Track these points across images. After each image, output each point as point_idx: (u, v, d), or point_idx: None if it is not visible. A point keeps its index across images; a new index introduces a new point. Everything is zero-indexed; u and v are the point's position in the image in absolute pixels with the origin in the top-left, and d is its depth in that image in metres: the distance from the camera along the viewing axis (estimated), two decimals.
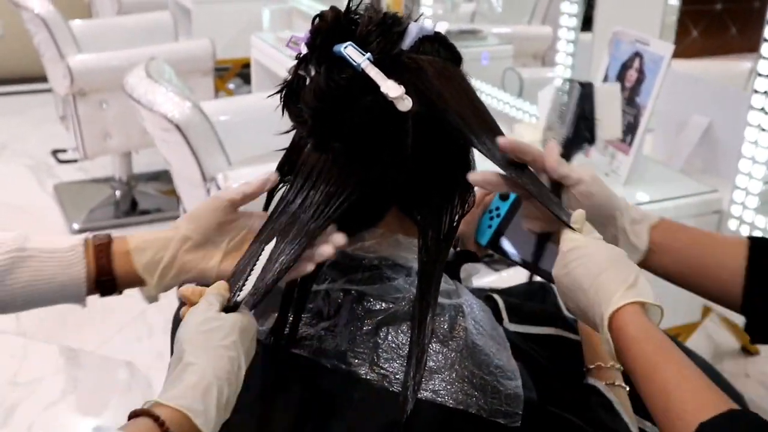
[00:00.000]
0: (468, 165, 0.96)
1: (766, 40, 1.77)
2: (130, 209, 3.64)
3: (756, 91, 1.81)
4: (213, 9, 4.14)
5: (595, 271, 0.87)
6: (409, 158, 0.89)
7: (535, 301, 1.32)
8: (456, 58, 0.95)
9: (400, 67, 0.88)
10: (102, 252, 0.90)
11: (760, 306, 0.96)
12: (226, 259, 0.93)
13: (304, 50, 0.91)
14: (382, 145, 0.88)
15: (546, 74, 2.70)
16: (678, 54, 1.93)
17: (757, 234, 1.88)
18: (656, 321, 0.84)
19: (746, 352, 2.72)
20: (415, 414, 0.85)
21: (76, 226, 3.45)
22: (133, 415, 0.73)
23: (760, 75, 1.80)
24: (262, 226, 0.93)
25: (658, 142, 2.33)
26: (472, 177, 0.93)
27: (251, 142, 2.55)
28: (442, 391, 0.88)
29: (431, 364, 0.89)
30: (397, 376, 0.89)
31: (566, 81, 0.97)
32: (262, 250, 0.87)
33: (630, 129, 2.00)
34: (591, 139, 0.97)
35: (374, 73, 0.85)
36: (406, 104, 0.85)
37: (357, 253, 0.95)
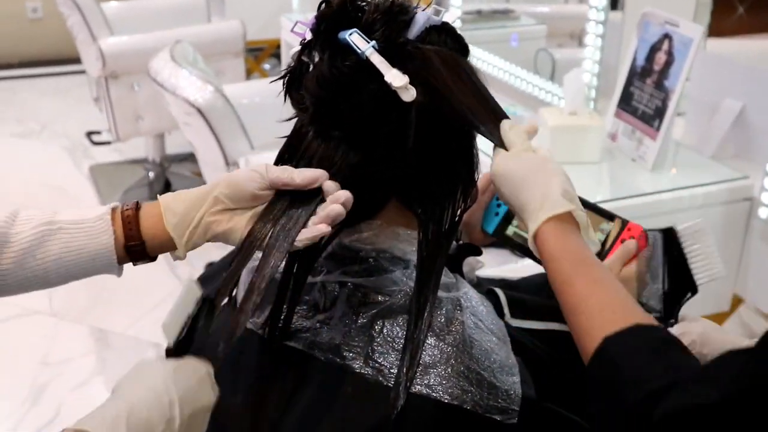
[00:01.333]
0: (472, 158, 0.94)
1: None
2: (164, 190, 3.63)
3: None
4: None
5: (516, 192, 0.86)
6: (411, 149, 0.87)
7: (543, 294, 1.29)
8: (463, 49, 0.93)
9: (405, 56, 0.86)
10: (130, 217, 0.88)
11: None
12: (251, 222, 0.89)
13: (309, 36, 0.89)
14: (384, 135, 0.87)
15: (579, 55, 2.65)
16: (722, 32, 1.87)
17: None
18: (584, 224, 0.83)
19: None
20: (408, 409, 0.84)
21: None
22: None
23: None
24: (261, 213, 0.91)
25: (689, 127, 2.26)
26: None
27: (274, 125, 2.55)
28: (437, 386, 0.86)
29: (426, 358, 0.87)
30: (392, 371, 0.87)
31: (648, 232, 0.92)
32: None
33: (658, 113, 1.95)
34: (693, 288, 0.92)
35: (378, 62, 0.84)
36: (410, 94, 0.83)
37: (354, 245, 0.93)
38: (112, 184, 3.68)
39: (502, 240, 1.09)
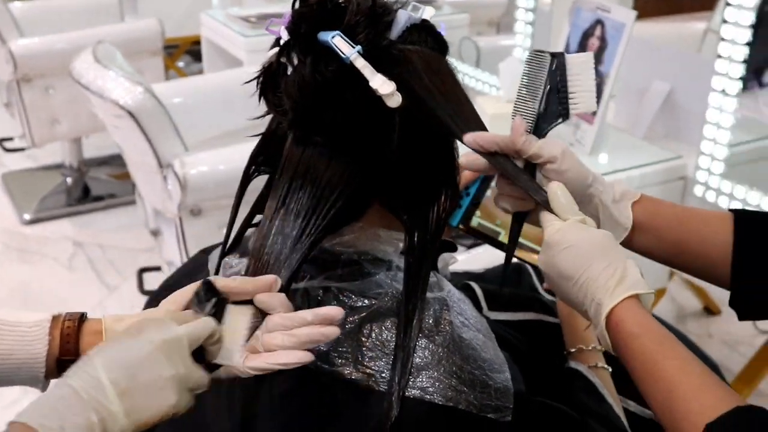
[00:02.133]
0: (453, 160, 0.93)
1: (729, 4, 1.74)
2: (83, 196, 3.53)
3: (720, 56, 1.80)
4: None
5: (583, 264, 0.84)
6: (394, 153, 0.86)
7: (510, 284, 1.29)
8: (442, 47, 0.92)
9: (390, 60, 0.84)
10: (70, 330, 0.81)
11: (749, 282, 0.93)
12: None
13: (284, 35, 0.86)
14: (367, 141, 0.85)
15: (504, 42, 2.67)
16: (643, 15, 1.91)
17: (723, 199, 1.88)
18: (649, 305, 0.82)
19: (708, 312, 2.75)
20: (403, 414, 0.82)
21: (27, 217, 3.35)
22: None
23: (723, 40, 1.78)
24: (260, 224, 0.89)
25: (619, 110, 2.31)
26: (467, 138, 0.89)
27: (205, 124, 2.49)
28: (429, 388, 0.84)
29: (417, 360, 0.85)
30: (383, 375, 0.85)
31: (535, 52, 0.93)
32: None
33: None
34: (565, 114, 0.92)
35: (363, 67, 0.82)
36: (395, 100, 0.82)
37: (335, 248, 0.91)
38: (27, 192, 3.53)
39: (467, 231, 1.08)
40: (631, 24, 1.89)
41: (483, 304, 1.17)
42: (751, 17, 1.73)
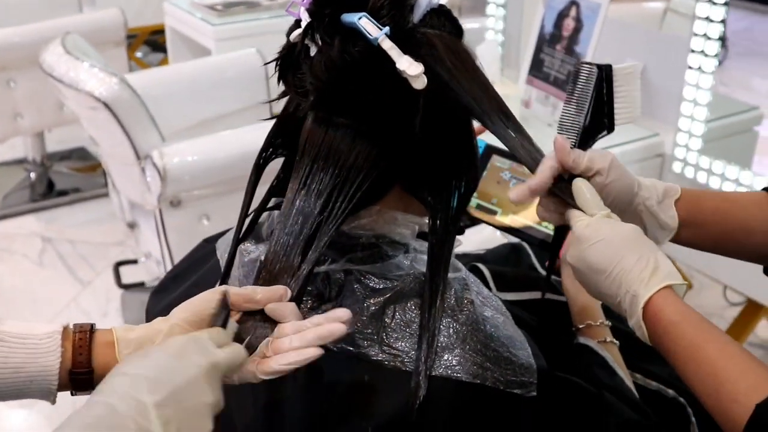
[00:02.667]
0: (472, 143, 0.94)
1: None
2: (47, 191, 3.47)
3: (695, 34, 1.83)
4: None
5: (615, 257, 0.86)
6: (417, 136, 0.86)
7: (510, 264, 1.31)
8: (459, 32, 0.92)
9: (414, 42, 0.84)
10: (82, 342, 0.80)
11: None
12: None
13: (305, 16, 0.86)
14: (392, 123, 0.85)
15: (469, 26, 2.68)
16: None
17: (702, 174, 1.92)
18: (682, 295, 0.84)
19: None
20: (430, 392, 0.83)
21: None
22: None
23: (698, 18, 1.81)
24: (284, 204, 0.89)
25: None
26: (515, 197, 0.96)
27: (178, 114, 2.46)
28: (456, 366, 0.86)
29: (442, 339, 0.86)
30: (410, 355, 0.86)
31: (582, 63, 0.93)
32: None
33: (571, 77, 2.00)
34: (610, 126, 0.94)
35: (390, 48, 0.82)
36: (421, 81, 0.82)
37: (354, 231, 0.92)
38: None
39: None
40: (607, 4, 1.92)
41: (491, 284, 1.18)
42: None
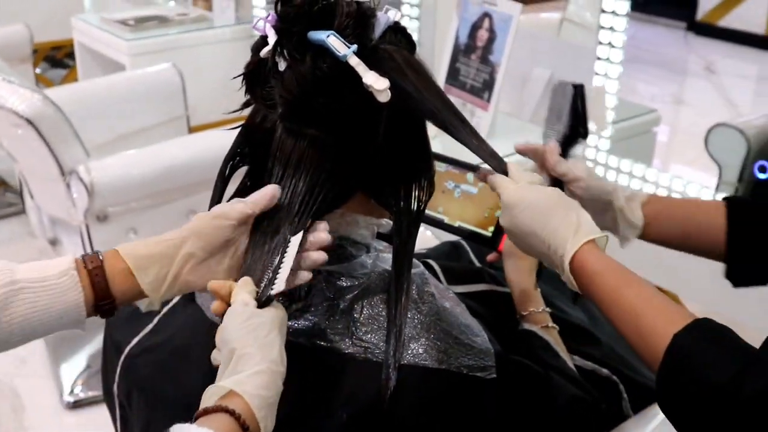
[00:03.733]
0: (428, 148, 1.00)
1: None
2: None
3: (601, 43, 1.96)
4: None
5: (543, 219, 0.95)
6: (380, 146, 0.92)
7: (452, 260, 1.39)
8: (413, 47, 0.98)
9: (377, 58, 0.90)
10: (98, 275, 0.85)
11: (740, 256, 1.12)
12: (228, 274, 0.91)
13: (271, 34, 0.91)
14: (357, 133, 0.91)
15: None
16: None
17: (611, 173, 2.05)
18: (603, 247, 0.94)
19: None
20: (400, 379, 0.90)
21: None
22: (207, 411, 0.76)
23: (602, 28, 1.95)
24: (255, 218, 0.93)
25: (504, 96, 2.45)
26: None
27: (97, 130, 2.46)
28: (423, 354, 0.93)
29: (409, 331, 0.93)
30: (379, 347, 0.92)
31: (561, 82, 1.04)
32: (289, 242, 0.88)
33: (487, 86, 2.11)
34: (585, 135, 1.06)
35: (357, 64, 0.87)
36: (386, 95, 0.88)
37: None
38: None
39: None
40: (518, 16, 2.03)
41: (442, 278, 1.25)
42: (626, 7, 1.91)
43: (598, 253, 0.92)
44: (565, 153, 1.08)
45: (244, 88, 0.96)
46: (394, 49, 0.92)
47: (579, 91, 1.02)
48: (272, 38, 0.91)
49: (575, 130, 1.05)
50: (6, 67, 2.27)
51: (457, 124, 0.96)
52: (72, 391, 2.34)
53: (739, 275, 1.14)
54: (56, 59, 4.58)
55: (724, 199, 1.16)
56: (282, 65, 0.90)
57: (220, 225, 0.89)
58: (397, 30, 0.95)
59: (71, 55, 3.54)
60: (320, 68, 0.88)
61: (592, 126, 1.06)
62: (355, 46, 0.87)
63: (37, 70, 4.49)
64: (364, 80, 0.87)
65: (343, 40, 0.87)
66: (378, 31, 0.92)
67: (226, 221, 0.89)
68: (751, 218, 1.12)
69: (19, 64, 3.12)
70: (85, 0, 3.38)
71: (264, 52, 0.91)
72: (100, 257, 0.86)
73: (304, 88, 0.88)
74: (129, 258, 0.86)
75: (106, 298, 0.85)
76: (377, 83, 0.87)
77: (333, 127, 0.90)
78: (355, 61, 0.87)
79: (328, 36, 0.87)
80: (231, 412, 0.74)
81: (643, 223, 1.15)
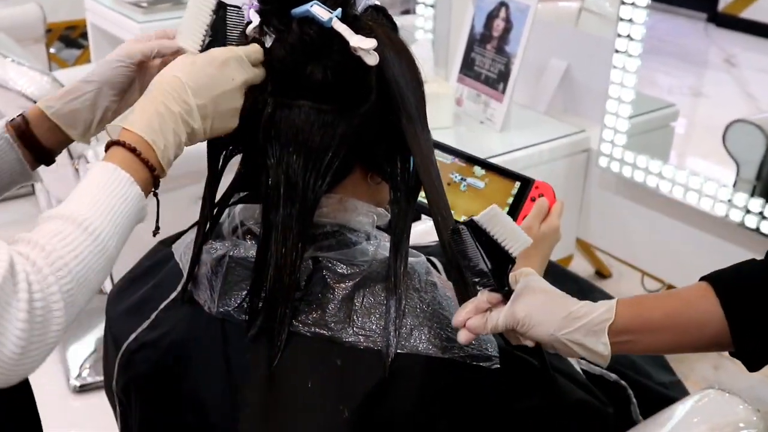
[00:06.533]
0: (423, 114, 0.96)
1: None
2: None
3: (619, 35, 1.92)
4: None
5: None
6: (373, 114, 0.91)
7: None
8: (394, 28, 0.97)
9: (360, 27, 0.89)
10: (30, 136, 0.98)
11: (751, 344, 0.95)
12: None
13: (254, 17, 0.91)
14: (349, 100, 0.90)
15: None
16: None
17: (627, 169, 2.01)
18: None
19: (600, 275, 2.93)
20: (403, 368, 0.88)
21: None
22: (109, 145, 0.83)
23: (622, 19, 1.90)
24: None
25: (520, 87, 2.42)
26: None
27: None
28: (425, 343, 0.91)
29: (411, 319, 0.91)
30: (379, 334, 0.90)
31: (451, 232, 0.93)
32: None
33: (502, 77, 2.08)
34: (511, 259, 0.95)
35: (343, 29, 0.87)
36: (374, 57, 0.87)
37: (318, 220, 0.95)
38: None
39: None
40: (536, 5, 1.99)
41: (443, 275, 1.23)
42: None
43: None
44: (502, 286, 0.98)
45: None
46: (377, 24, 0.93)
47: (473, 227, 0.93)
48: (257, 20, 0.91)
49: (498, 261, 0.97)
50: (17, 48, 2.25)
51: (420, 128, 0.94)
52: (79, 375, 2.33)
53: (753, 359, 0.96)
54: (70, 39, 4.58)
55: (705, 280, 0.97)
56: (269, 42, 0.90)
57: (126, 70, 0.99)
58: (378, 9, 0.95)
59: (86, 35, 3.52)
60: (307, 34, 0.88)
61: (515, 241, 0.94)
62: (339, 10, 0.88)
63: (52, 50, 4.50)
64: (351, 43, 0.87)
65: (326, 7, 0.88)
66: (359, 6, 0.93)
67: (122, 63, 0.99)
68: (744, 297, 0.95)
69: (32, 44, 3.11)
70: None
71: (249, 29, 0.91)
72: (27, 120, 0.98)
73: (294, 57, 0.88)
74: (55, 117, 0.98)
75: (41, 152, 0.99)
76: (363, 42, 0.87)
77: (325, 96, 0.89)
78: (340, 25, 0.87)
79: (311, 5, 0.88)
80: (118, 143, 0.82)
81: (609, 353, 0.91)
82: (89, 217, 0.77)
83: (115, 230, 0.79)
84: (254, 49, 0.91)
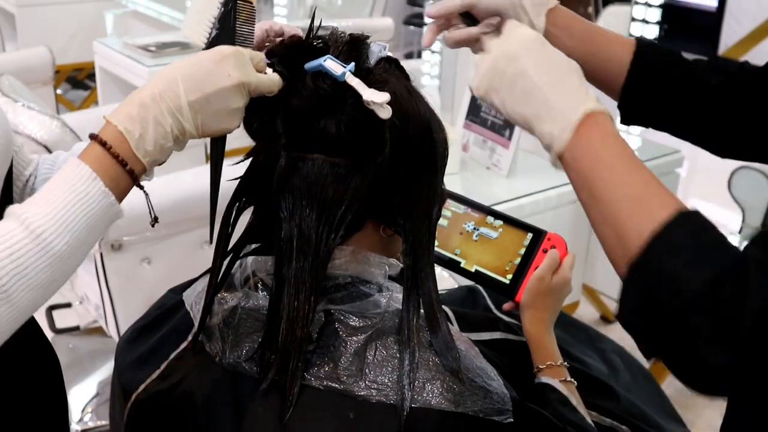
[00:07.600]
0: (437, 168, 0.98)
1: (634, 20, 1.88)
2: None
3: None
4: (38, 13, 3.89)
5: (554, 73, 0.88)
6: (387, 168, 0.91)
7: (467, 305, 1.36)
8: (406, 79, 0.98)
9: (373, 80, 0.91)
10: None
11: (634, 95, 1.09)
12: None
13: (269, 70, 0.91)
14: (363, 154, 0.90)
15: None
16: None
17: None
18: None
19: (605, 320, 2.92)
20: (415, 422, 0.88)
21: None
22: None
23: None
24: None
25: (526, 133, 2.42)
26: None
27: None
28: (438, 397, 0.90)
29: (424, 372, 0.91)
30: (392, 388, 0.90)
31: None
32: None
33: (508, 124, 2.09)
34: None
35: (356, 83, 0.87)
36: (387, 111, 0.87)
37: (331, 272, 0.95)
38: None
39: None
40: None
41: (455, 324, 1.23)
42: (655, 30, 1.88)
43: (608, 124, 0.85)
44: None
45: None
46: (391, 75, 0.94)
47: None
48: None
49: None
50: (27, 91, 2.27)
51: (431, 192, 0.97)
52: (81, 419, 2.32)
53: (630, 113, 1.12)
54: (77, 80, 4.62)
55: (637, 39, 1.12)
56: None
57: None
58: (390, 61, 0.97)
59: (93, 76, 3.56)
60: (321, 88, 0.89)
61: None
62: (352, 65, 0.89)
63: (59, 91, 4.54)
64: (364, 97, 0.87)
65: (339, 61, 0.89)
66: (372, 59, 0.94)
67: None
68: (657, 61, 1.08)
69: (40, 86, 3.14)
70: (108, 24, 3.38)
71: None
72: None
73: (308, 111, 0.89)
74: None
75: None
76: (376, 97, 0.87)
77: (339, 149, 0.90)
78: (353, 80, 0.88)
79: (324, 60, 0.89)
80: (95, 138, 0.80)
81: (544, 31, 1.05)
82: (34, 214, 0.76)
83: (66, 228, 0.77)
84: (260, 56, 0.90)
